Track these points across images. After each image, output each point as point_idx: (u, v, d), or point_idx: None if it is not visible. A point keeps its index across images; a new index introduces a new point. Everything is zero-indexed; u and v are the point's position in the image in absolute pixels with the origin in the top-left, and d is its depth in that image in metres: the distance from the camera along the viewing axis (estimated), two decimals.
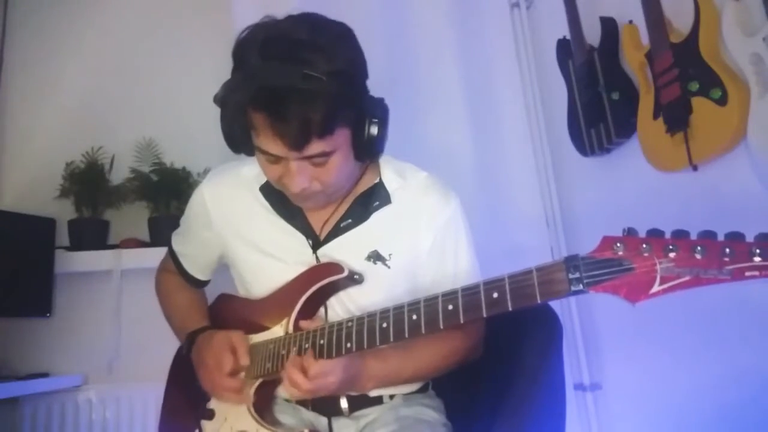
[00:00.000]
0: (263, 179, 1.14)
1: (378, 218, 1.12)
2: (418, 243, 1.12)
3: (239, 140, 1.01)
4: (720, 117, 1.27)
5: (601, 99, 1.65)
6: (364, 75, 1.04)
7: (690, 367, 1.48)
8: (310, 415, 1.15)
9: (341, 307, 1.13)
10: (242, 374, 1.13)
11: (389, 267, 1.11)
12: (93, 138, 2.34)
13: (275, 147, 0.97)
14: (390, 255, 1.11)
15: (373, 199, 1.13)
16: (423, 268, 1.12)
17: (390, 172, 1.15)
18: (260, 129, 0.96)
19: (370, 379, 1.07)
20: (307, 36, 0.95)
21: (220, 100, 0.99)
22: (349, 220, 1.13)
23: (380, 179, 1.14)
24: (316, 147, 0.96)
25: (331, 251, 1.13)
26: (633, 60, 1.55)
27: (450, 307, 0.90)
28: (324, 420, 1.13)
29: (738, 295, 1.27)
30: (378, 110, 1.03)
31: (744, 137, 1.23)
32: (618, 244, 0.76)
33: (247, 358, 1.11)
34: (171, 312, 1.32)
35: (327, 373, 0.98)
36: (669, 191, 1.50)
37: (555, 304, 1.07)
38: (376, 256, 1.11)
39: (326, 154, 0.98)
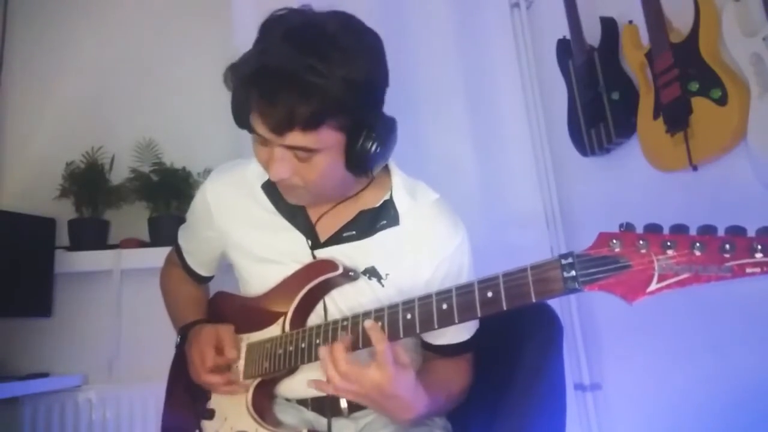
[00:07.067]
0: (266, 177, 1.13)
1: (383, 237, 1.10)
2: (418, 271, 1.09)
3: (241, 113, 0.99)
4: (720, 117, 1.27)
5: (601, 99, 1.64)
6: (380, 90, 1.00)
7: (690, 367, 1.47)
8: (310, 416, 1.15)
9: (335, 307, 1.12)
10: (237, 365, 1.13)
11: (383, 286, 1.08)
12: (93, 138, 2.34)
13: (259, 126, 0.95)
14: (387, 275, 1.09)
15: (381, 216, 1.10)
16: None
17: (401, 189, 1.11)
18: (252, 105, 0.95)
19: (412, 410, 0.95)
20: (334, 32, 0.93)
21: (231, 68, 0.98)
22: (353, 232, 1.10)
23: (391, 196, 1.12)
24: (298, 139, 0.93)
25: (330, 255, 1.11)
26: (633, 60, 1.55)
27: (444, 306, 0.89)
28: (324, 420, 1.12)
29: (739, 293, 1.27)
30: (382, 129, 0.99)
31: (744, 137, 1.23)
32: (614, 241, 0.74)
33: (234, 351, 1.12)
34: (171, 305, 1.33)
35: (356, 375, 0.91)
36: (669, 191, 1.50)
37: (555, 304, 1.06)
38: (372, 272, 1.09)
39: (309, 150, 0.95)
